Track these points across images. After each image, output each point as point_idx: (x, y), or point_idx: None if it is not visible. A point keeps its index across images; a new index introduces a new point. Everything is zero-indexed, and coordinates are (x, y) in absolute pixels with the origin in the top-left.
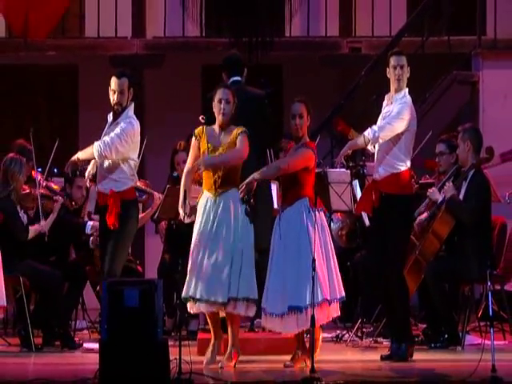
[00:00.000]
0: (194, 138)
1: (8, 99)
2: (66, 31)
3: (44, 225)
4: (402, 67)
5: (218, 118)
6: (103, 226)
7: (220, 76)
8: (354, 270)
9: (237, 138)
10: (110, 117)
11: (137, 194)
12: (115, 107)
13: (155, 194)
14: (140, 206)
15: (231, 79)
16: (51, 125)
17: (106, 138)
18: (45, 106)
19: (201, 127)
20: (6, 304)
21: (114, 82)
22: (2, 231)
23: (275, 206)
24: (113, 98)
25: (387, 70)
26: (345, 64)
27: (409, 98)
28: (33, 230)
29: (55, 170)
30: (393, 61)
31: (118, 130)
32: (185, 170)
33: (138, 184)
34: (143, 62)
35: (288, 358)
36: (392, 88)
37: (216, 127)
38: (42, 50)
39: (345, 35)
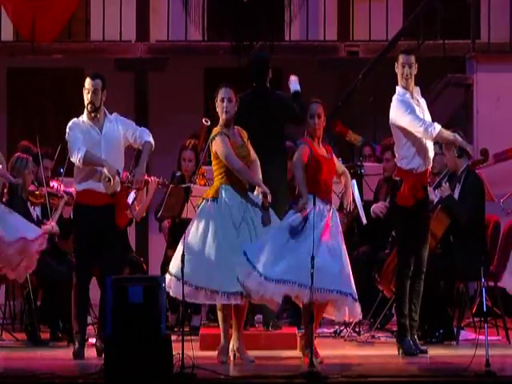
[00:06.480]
0: (224, 136)
1: (16, 101)
2: (72, 35)
3: (54, 225)
4: (410, 66)
5: (222, 117)
6: None
7: (222, 78)
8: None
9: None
10: (85, 118)
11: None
12: (89, 106)
13: (150, 178)
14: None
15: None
16: (58, 126)
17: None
18: (52, 108)
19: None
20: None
21: (87, 82)
22: None
23: None
24: (86, 97)
25: (395, 64)
26: (342, 67)
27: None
28: (43, 229)
29: (61, 170)
30: (402, 59)
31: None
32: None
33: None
34: (147, 66)
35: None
36: (410, 84)
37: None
38: (49, 53)
39: (343, 39)
